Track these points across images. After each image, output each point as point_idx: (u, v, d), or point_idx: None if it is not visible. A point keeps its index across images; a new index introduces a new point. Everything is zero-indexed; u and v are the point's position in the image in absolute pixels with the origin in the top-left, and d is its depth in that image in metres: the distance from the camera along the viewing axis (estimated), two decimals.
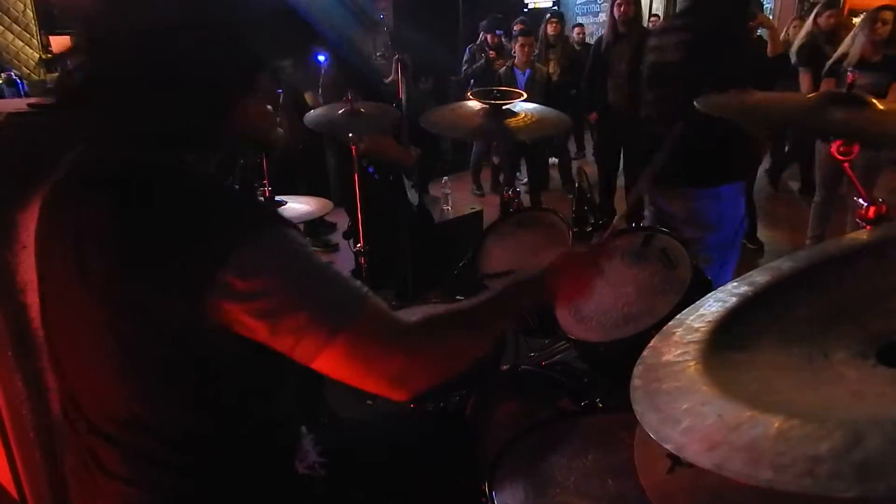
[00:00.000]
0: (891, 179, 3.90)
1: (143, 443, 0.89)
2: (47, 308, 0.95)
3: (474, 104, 2.18)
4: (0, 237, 1.45)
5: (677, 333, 0.80)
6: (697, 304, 0.85)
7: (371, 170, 2.65)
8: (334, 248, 4.62)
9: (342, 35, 2.83)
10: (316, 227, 4.56)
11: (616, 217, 1.41)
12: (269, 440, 1.00)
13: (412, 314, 1.00)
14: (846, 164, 1.23)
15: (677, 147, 1.29)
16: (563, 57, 5.63)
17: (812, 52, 4.09)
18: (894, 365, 0.66)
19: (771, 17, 5.86)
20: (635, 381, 0.73)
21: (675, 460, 0.77)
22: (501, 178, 5.81)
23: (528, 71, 5.02)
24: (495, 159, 5.95)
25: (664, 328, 0.83)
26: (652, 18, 8.33)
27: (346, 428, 1.24)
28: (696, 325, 0.79)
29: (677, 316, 0.85)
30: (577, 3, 10.83)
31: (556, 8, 9.57)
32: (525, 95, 2.24)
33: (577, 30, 7.32)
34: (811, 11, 4.43)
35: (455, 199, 4.10)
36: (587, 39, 7.14)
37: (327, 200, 2.70)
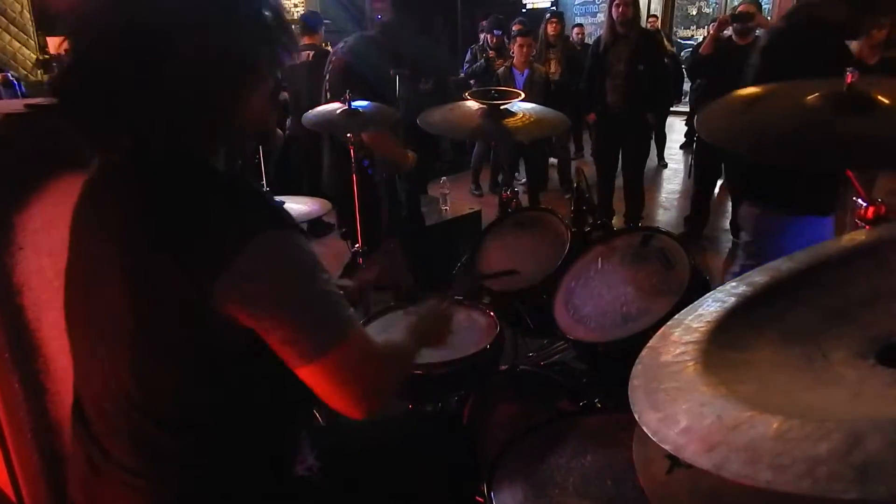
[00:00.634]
0: (890, 180, 3.90)
1: (146, 432, 0.90)
2: (72, 296, 0.98)
3: (473, 104, 2.18)
4: None
5: (676, 333, 0.79)
6: (696, 305, 0.85)
7: (366, 163, 2.64)
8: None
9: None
10: (315, 227, 4.56)
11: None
12: (268, 438, 1.00)
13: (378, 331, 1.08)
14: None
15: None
16: (563, 56, 5.63)
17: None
18: (894, 366, 0.66)
19: (769, 18, 5.86)
20: (634, 382, 0.72)
21: (674, 461, 0.76)
22: (500, 178, 5.82)
23: (526, 71, 5.03)
24: (495, 159, 5.95)
25: (663, 328, 0.83)
26: (650, 19, 8.34)
27: (345, 429, 1.23)
28: (695, 326, 0.79)
29: (676, 316, 0.84)
30: (576, 3, 10.85)
31: (553, 8, 9.58)
32: (523, 95, 2.25)
33: (576, 30, 7.34)
34: None
35: (454, 199, 4.10)
36: (586, 40, 7.14)
37: (327, 201, 2.70)
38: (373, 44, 2.78)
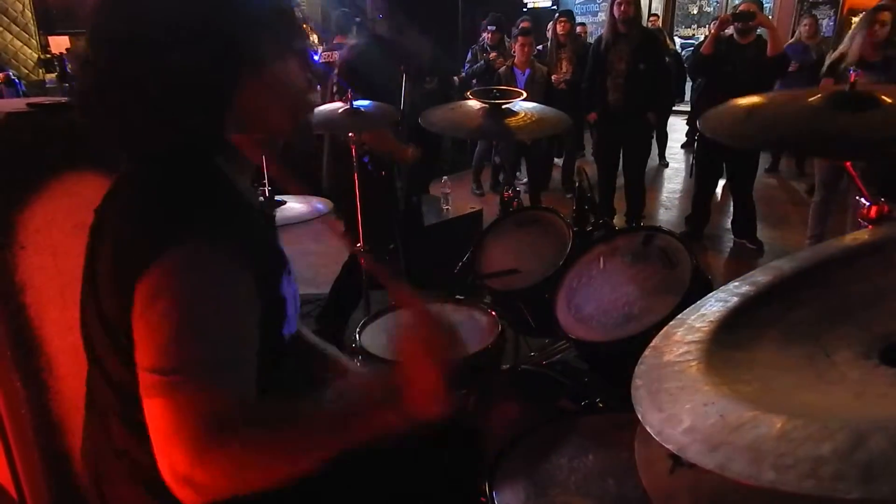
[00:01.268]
0: None
1: (130, 433, 0.90)
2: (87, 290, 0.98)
3: (474, 104, 2.18)
4: None
5: (678, 333, 0.79)
6: (699, 304, 0.84)
7: (366, 159, 2.64)
8: None
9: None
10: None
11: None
12: None
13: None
14: (848, 163, 1.23)
15: None
16: (574, 55, 5.52)
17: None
18: None
19: (770, 17, 5.85)
20: (636, 381, 0.72)
21: (677, 460, 0.76)
22: (501, 177, 5.82)
23: (527, 70, 5.02)
24: (496, 159, 5.93)
25: (665, 328, 0.83)
26: (651, 18, 8.33)
27: None
28: (698, 325, 0.79)
29: (678, 316, 0.84)
30: (577, 2, 10.83)
31: (554, 7, 9.56)
32: (525, 95, 2.24)
33: (579, 28, 7.30)
34: (810, 11, 4.40)
35: (455, 198, 4.10)
36: (588, 39, 7.12)
37: (328, 200, 2.70)
38: (378, 43, 2.79)
